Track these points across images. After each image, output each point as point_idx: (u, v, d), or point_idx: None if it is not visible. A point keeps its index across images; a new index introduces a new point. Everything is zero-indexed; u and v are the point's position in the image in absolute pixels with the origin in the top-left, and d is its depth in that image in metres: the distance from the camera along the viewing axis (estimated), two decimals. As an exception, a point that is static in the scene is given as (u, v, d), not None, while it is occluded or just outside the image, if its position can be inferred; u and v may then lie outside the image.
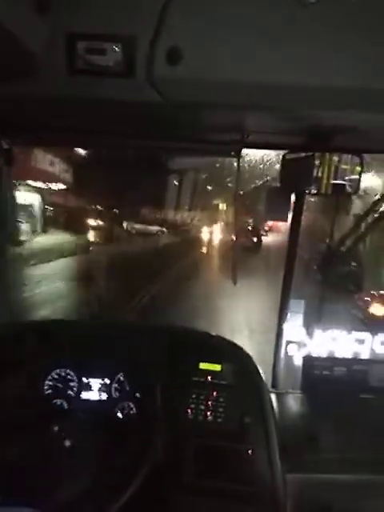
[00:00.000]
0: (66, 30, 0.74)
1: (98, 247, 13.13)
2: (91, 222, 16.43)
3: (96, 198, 16.10)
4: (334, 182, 1.26)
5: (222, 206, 24.58)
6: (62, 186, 13.22)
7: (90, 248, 12.72)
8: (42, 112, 1.05)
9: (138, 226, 18.17)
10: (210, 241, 19.24)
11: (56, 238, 11.74)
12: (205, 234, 20.39)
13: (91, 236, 14.84)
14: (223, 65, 0.75)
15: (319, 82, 0.76)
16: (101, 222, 16.76)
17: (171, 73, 0.75)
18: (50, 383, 1.22)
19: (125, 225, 17.83)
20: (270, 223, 18.75)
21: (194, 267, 11.10)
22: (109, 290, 6.79)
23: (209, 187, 21.28)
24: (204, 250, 16.80)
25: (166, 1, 0.71)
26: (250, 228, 16.27)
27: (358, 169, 1.26)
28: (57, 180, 12.60)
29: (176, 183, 18.38)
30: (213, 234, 20.58)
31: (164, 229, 19.00)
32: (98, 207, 17.20)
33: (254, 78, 0.76)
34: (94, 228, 16.16)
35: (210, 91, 0.80)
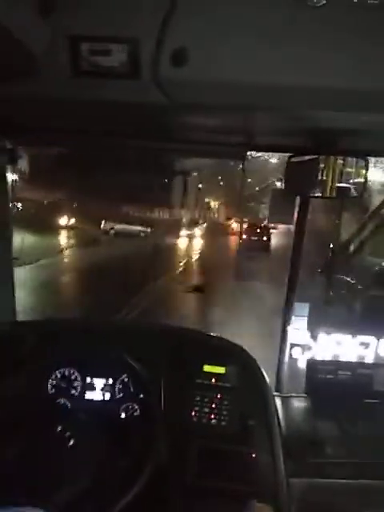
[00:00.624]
0: (69, 32, 0.74)
1: (62, 254, 11.14)
2: (62, 221, 14.43)
3: (64, 191, 13.66)
4: (339, 184, 1.26)
5: (214, 204, 23.52)
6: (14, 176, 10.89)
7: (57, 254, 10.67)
8: (46, 113, 1.06)
9: (118, 226, 16.02)
10: (203, 243, 16.66)
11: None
12: (196, 233, 17.93)
13: (57, 238, 12.94)
14: (229, 67, 0.76)
15: (324, 84, 0.76)
16: (73, 221, 14.68)
17: (176, 74, 0.75)
18: (54, 382, 1.22)
19: (102, 224, 15.65)
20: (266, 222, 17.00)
21: (183, 284, 8.44)
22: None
23: (200, 185, 20.03)
24: (196, 254, 13.97)
25: (172, 2, 0.72)
26: (258, 230, 15.00)
27: (364, 171, 1.26)
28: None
29: (166, 180, 17.20)
30: (205, 235, 18.15)
31: (148, 229, 16.73)
32: (67, 203, 14.93)
33: (259, 80, 0.77)
34: (64, 228, 14.34)
35: (216, 93, 0.81)
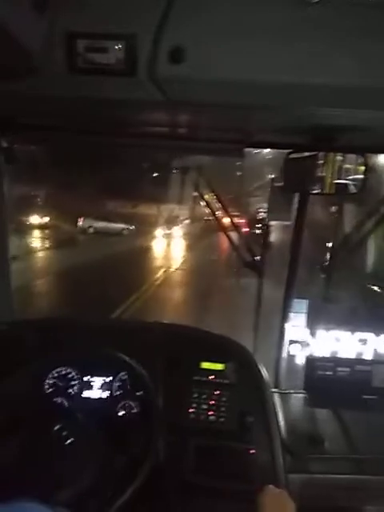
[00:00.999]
0: (66, 29, 0.73)
1: (31, 257, 9.42)
2: (34, 219, 12.62)
3: (39, 185, 11.96)
4: (338, 181, 1.25)
5: (204, 199, 23.00)
6: None
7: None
8: (42, 111, 1.05)
9: (98, 224, 14.41)
10: (193, 242, 13.89)
11: None
12: (174, 233, 15.21)
13: (27, 239, 11.14)
14: (226, 64, 0.75)
15: (323, 81, 0.76)
16: (47, 219, 12.84)
17: (174, 72, 0.75)
18: (51, 381, 1.23)
19: (80, 222, 14.03)
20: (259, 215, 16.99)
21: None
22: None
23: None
24: (183, 258, 11.50)
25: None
26: (258, 224, 15.02)
27: (362, 168, 1.25)
28: None
29: (154, 175, 15.85)
30: (188, 234, 15.63)
31: (131, 226, 15.09)
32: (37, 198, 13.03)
33: (257, 77, 0.76)
34: (37, 227, 12.61)
35: (213, 90, 0.80)
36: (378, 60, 0.73)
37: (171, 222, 16.39)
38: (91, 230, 14.20)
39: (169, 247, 13.54)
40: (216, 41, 0.73)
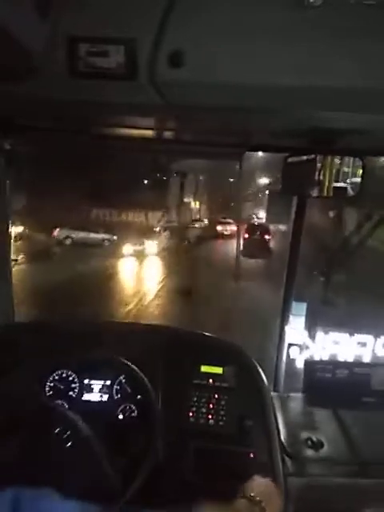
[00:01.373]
0: (67, 32, 0.74)
1: None
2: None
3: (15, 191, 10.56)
4: (336, 184, 1.26)
5: (194, 205, 21.26)
6: None
7: None
8: (43, 114, 1.06)
9: (76, 235, 13.26)
10: (177, 258, 12.23)
11: None
12: (147, 251, 12.97)
13: None
14: (226, 68, 0.75)
15: (322, 84, 0.76)
16: (19, 230, 11.13)
17: (173, 75, 0.75)
18: (51, 384, 1.22)
19: (56, 232, 12.87)
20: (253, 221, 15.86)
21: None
22: None
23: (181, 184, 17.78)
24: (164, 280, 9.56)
25: (169, 3, 0.72)
26: (258, 230, 13.56)
27: (360, 171, 1.26)
28: None
29: (145, 182, 15.48)
30: (183, 243, 14.22)
31: (114, 236, 13.62)
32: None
33: (256, 81, 0.77)
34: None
35: (213, 93, 0.81)
36: (378, 62, 0.73)
37: (157, 230, 15.19)
38: (68, 241, 13.17)
39: (150, 264, 12.07)
40: (215, 44, 0.74)
